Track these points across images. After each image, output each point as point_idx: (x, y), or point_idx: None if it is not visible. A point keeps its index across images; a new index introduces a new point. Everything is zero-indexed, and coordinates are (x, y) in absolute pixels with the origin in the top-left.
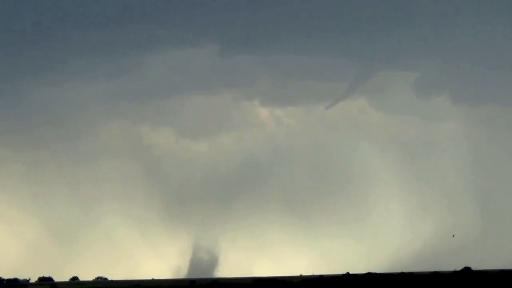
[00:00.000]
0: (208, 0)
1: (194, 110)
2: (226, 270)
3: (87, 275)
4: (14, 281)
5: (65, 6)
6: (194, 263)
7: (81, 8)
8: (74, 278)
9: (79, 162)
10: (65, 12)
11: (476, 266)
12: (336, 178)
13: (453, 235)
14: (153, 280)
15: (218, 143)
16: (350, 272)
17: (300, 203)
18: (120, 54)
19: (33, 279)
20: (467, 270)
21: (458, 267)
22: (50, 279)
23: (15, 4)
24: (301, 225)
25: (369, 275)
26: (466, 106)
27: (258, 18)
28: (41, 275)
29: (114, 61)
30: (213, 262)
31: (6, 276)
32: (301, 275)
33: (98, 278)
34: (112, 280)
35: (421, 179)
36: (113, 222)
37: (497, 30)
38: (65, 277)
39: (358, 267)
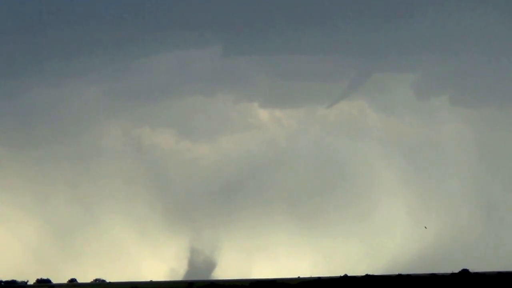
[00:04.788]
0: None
1: (194, 111)
2: (224, 271)
3: (85, 277)
4: (12, 283)
5: (65, 6)
6: (192, 265)
7: (82, 7)
8: (72, 280)
9: (78, 163)
10: (66, 11)
11: (474, 268)
12: (336, 179)
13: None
14: (151, 282)
15: (218, 144)
16: (349, 274)
17: (300, 205)
18: (121, 55)
19: (31, 281)
20: (465, 272)
21: (456, 269)
22: (48, 281)
23: (15, 4)
24: (301, 226)
25: (367, 277)
26: (465, 107)
27: (259, 19)
28: (39, 277)
29: (115, 62)
30: (212, 264)
31: (4, 278)
32: (299, 277)
33: (96, 280)
34: (110, 282)
35: (421, 180)
36: (112, 224)
37: (498, 31)
38: (63, 279)
39: (359, 269)
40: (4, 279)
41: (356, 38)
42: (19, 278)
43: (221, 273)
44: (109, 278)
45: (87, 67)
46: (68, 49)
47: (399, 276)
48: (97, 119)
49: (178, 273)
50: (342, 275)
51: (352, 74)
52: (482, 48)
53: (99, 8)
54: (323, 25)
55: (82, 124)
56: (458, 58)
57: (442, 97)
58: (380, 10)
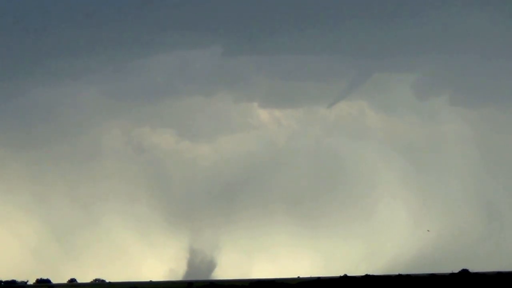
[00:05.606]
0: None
1: (194, 111)
2: (224, 272)
3: (85, 277)
4: (12, 283)
5: (66, 6)
6: (192, 265)
7: (82, 8)
8: (72, 280)
9: (78, 163)
10: (66, 12)
11: (474, 268)
12: (336, 180)
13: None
14: (151, 282)
15: (218, 144)
16: (349, 274)
17: (300, 205)
18: (122, 55)
19: (31, 281)
20: (465, 272)
21: (456, 269)
22: (48, 281)
23: (15, 4)
24: (301, 226)
25: (367, 277)
26: (465, 107)
27: (259, 19)
28: (39, 277)
29: (115, 62)
30: (211, 264)
31: (4, 278)
32: (298, 277)
33: (96, 280)
34: (110, 282)
35: (421, 180)
36: (112, 224)
37: (498, 31)
38: (63, 279)
39: (358, 269)
40: (4, 279)
41: (356, 38)
42: (19, 278)
43: (221, 273)
44: (109, 278)
45: (87, 67)
46: (68, 49)
47: (399, 276)
48: (97, 119)
49: (178, 273)
50: (342, 275)
51: (352, 74)
52: (482, 48)
53: (99, 8)
54: (323, 25)
55: (82, 124)
56: (458, 58)
57: (442, 97)
58: (380, 10)
